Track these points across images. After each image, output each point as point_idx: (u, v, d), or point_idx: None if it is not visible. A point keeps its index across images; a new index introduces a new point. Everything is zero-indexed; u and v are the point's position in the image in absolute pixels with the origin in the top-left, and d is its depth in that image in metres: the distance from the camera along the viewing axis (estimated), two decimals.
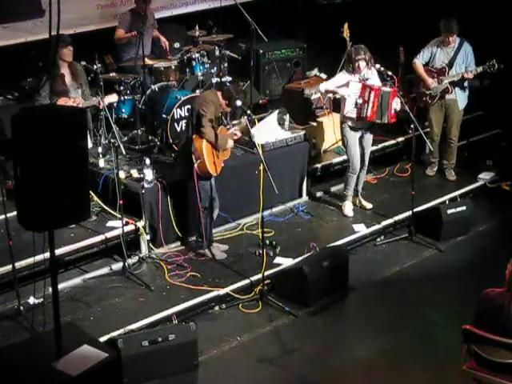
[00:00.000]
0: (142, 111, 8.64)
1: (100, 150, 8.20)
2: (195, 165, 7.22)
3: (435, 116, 9.14)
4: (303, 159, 8.84)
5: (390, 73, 8.31)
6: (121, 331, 6.46)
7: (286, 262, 7.59)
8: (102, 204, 7.79)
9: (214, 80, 9.08)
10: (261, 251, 7.29)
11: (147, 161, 7.75)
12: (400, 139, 9.71)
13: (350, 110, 8.17)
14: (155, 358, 6.05)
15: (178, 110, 8.40)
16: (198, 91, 8.79)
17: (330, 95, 8.90)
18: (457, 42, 8.90)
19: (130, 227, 7.58)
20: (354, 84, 8.13)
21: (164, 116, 8.43)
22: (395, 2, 11.20)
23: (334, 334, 6.88)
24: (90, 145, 7.89)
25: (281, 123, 8.84)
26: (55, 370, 5.45)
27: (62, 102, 7.81)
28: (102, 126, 8.36)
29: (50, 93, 7.80)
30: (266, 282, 7.15)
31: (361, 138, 8.35)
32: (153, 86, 8.74)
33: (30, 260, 6.53)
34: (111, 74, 8.86)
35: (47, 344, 5.60)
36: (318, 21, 11.49)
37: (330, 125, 9.25)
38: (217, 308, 7.08)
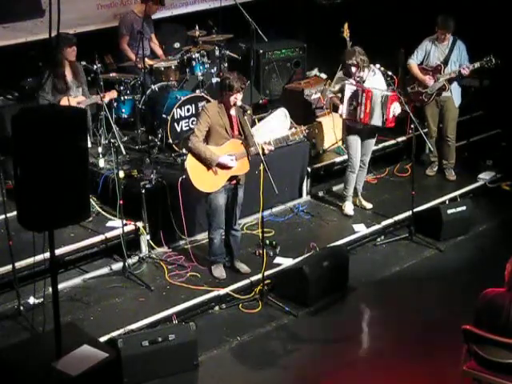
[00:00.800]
0: (141, 111, 8.64)
1: (100, 150, 8.20)
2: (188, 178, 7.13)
3: (431, 112, 9.15)
4: (303, 159, 8.84)
5: (390, 73, 8.31)
6: (121, 331, 6.46)
7: (286, 262, 7.59)
8: (98, 209, 7.81)
9: (214, 80, 9.08)
10: (261, 251, 7.29)
11: (147, 161, 7.75)
12: (400, 139, 9.71)
13: (345, 112, 8.17)
14: (155, 358, 6.05)
15: (178, 109, 8.40)
16: (197, 91, 8.79)
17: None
18: (450, 40, 8.92)
19: (130, 227, 7.59)
20: (349, 86, 8.13)
21: (164, 116, 8.43)
22: (395, 2, 11.19)
23: (334, 334, 6.88)
24: (89, 145, 7.90)
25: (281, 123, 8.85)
26: (55, 370, 5.45)
27: (64, 101, 7.83)
28: (102, 126, 8.37)
29: (53, 89, 7.85)
30: (266, 281, 7.14)
31: (362, 141, 8.34)
32: (153, 86, 8.74)
33: (30, 260, 6.53)
34: (111, 74, 8.86)
35: (47, 344, 5.60)
36: (318, 21, 11.48)
37: (330, 125, 9.25)
38: (217, 308, 7.08)
